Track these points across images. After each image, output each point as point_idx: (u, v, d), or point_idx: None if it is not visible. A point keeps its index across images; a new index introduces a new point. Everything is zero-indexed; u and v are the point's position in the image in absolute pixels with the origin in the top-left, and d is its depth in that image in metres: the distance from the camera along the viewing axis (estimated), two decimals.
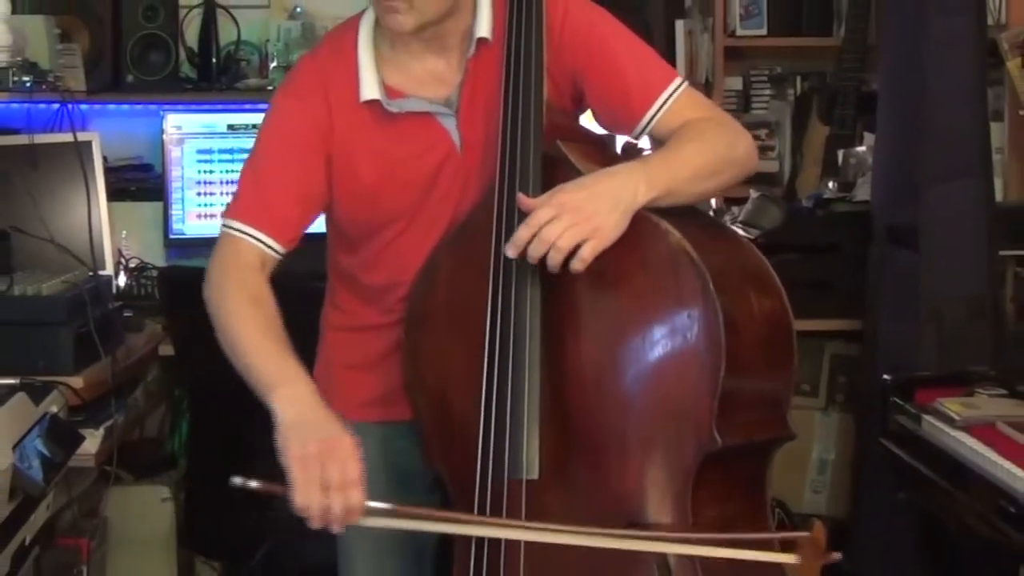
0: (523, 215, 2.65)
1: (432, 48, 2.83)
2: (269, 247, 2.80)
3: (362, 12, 2.91)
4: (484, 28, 2.82)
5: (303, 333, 2.93)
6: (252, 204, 2.83)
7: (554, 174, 2.73)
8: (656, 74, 2.83)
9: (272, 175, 2.84)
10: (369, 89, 2.82)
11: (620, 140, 2.97)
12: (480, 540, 2.69)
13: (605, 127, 2.94)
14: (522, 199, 2.64)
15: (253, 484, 2.55)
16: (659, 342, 2.63)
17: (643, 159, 2.71)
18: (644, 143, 3.97)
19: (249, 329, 2.72)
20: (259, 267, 2.80)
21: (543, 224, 2.57)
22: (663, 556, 2.57)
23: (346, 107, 2.83)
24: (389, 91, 2.83)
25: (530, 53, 2.77)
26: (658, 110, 2.79)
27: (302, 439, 2.55)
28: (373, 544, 2.95)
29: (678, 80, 2.83)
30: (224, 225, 2.84)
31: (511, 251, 2.61)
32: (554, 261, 2.57)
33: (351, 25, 2.91)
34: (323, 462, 2.52)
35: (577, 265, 2.57)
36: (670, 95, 2.80)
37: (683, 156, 2.70)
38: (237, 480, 2.56)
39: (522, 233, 2.59)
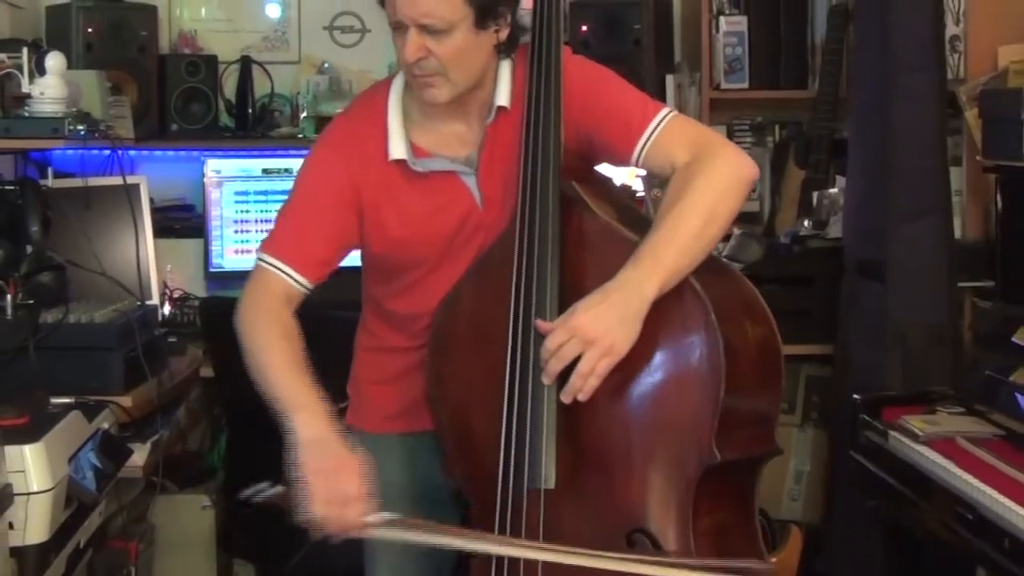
0: (541, 256, 2.69)
1: (456, 113, 2.84)
2: (296, 281, 2.83)
3: (393, 75, 2.92)
4: (503, 97, 2.83)
5: (322, 355, 2.94)
6: (284, 241, 2.85)
7: (570, 213, 2.75)
8: (641, 112, 2.81)
9: (304, 217, 2.86)
10: (397, 149, 2.83)
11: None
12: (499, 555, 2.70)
13: (608, 162, 2.96)
14: (539, 324, 2.65)
15: (259, 497, 2.58)
16: (665, 365, 2.64)
17: (634, 258, 2.62)
18: (637, 185, 3.99)
19: (275, 358, 2.75)
20: (285, 299, 2.83)
21: (559, 347, 2.59)
22: None
23: (376, 164, 2.84)
24: (415, 150, 2.84)
25: (549, 119, 2.77)
26: (646, 142, 2.77)
27: (317, 456, 2.60)
28: (396, 550, 2.95)
29: (662, 113, 2.80)
30: (258, 258, 2.87)
31: (546, 380, 2.63)
32: (574, 388, 2.60)
33: (382, 88, 2.92)
34: (336, 477, 2.57)
35: (592, 382, 2.59)
36: (655, 128, 2.77)
37: (668, 233, 2.63)
38: (245, 493, 2.59)
39: (544, 356, 2.61)
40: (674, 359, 2.64)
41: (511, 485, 2.68)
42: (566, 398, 2.61)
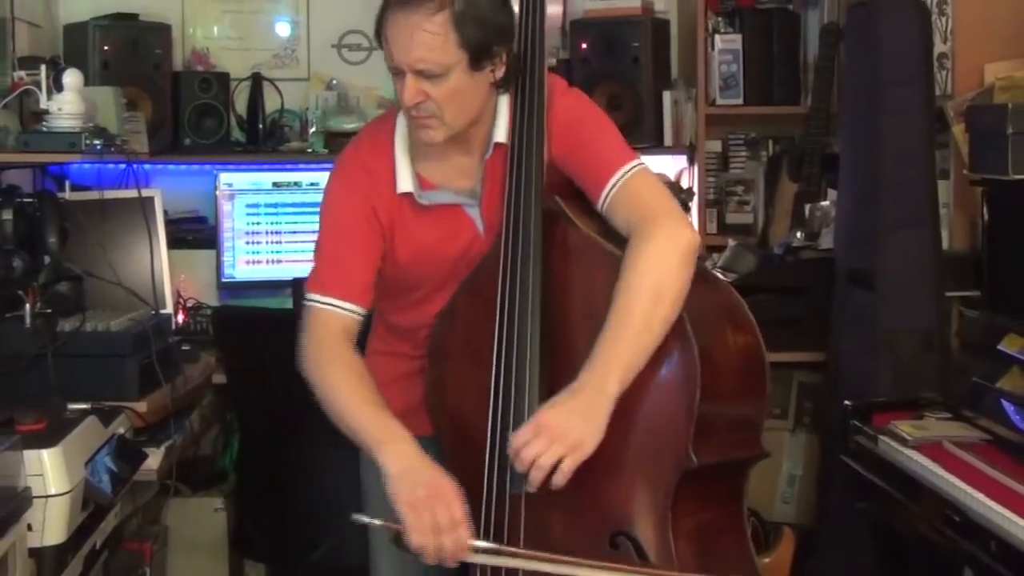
0: (524, 271, 2.71)
1: (458, 148, 2.85)
2: (350, 311, 2.82)
3: (397, 107, 2.91)
4: (501, 133, 2.84)
5: None
6: (328, 276, 2.85)
7: (553, 226, 2.77)
8: (608, 164, 2.80)
9: (339, 247, 2.86)
10: (404, 183, 2.84)
11: None
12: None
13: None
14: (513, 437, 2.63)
15: (377, 523, 2.60)
16: (642, 373, 2.62)
17: (590, 359, 2.60)
18: None
19: (349, 398, 2.75)
20: (344, 334, 2.82)
21: (524, 445, 2.57)
22: None
23: (385, 195, 2.85)
24: (422, 182, 2.86)
25: (531, 152, 2.79)
26: (608, 193, 2.77)
27: (410, 486, 2.59)
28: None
29: (624, 168, 2.78)
30: (307, 299, 2.86)
31: (520, 468, 2.60)
32: (535, 480, 2.57)
33: (388, 122, 2.92)
34: (432, 506, 2.57)
35: (558, 479, 2.57)
36: (616, 182, 2.77)
37: (618, 329, 2.60)
38: (362, 518, 2.61)
39: (511, 450, 2.60)
40: (650, 367, 2.63)
41: (495, 490, 2.70)
42: (530, 489, 2.60)
